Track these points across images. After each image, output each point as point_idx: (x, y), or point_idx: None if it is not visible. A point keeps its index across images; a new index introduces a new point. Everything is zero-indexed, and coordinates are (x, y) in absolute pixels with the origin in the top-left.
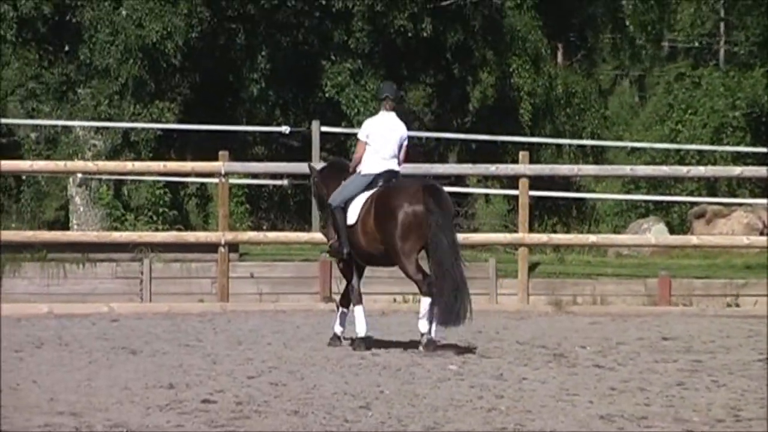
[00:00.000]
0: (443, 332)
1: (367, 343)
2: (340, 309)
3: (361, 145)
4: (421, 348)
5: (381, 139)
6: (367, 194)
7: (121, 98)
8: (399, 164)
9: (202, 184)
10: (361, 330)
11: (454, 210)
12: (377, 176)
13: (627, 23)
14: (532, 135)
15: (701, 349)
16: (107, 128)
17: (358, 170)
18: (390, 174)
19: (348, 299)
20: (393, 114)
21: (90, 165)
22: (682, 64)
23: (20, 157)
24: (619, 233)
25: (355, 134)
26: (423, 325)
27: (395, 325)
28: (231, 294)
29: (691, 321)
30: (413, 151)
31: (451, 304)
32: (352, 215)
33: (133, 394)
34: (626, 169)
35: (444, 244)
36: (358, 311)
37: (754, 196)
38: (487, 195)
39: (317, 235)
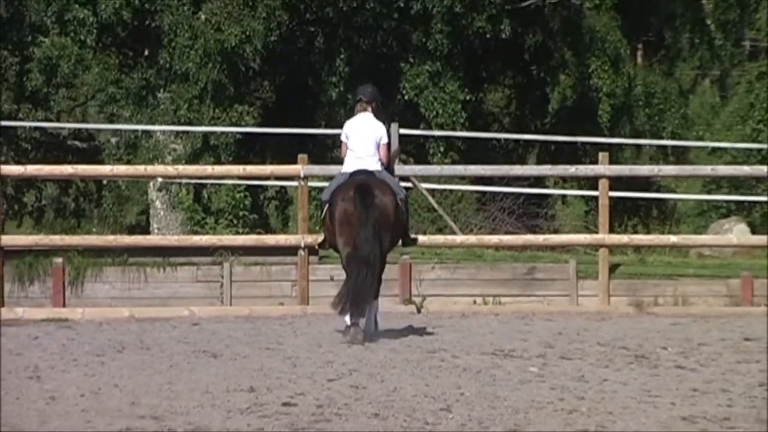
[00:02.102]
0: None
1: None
2: None
3: (343, 145)
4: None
5: (356, 139)
6: None
7: (201, 102)
8: (380, 161)
9: (282, 187)
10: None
11: (387, 207)
12: (352, 174)
13: (707, 22)
14: (612, 136)
15: None
16: (187, 132)
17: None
18: (364, 172)
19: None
20: (369, 114)
21: (170, 169)
22: (764, 63)
23: (101, 162)
24: (700, 233)
25: (434, 136)
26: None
27: (475, 327)
28: (311, 297)
29: None
30: (494, 153)
31: (349, 294)
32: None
33: (214, 398)
34: (707, 169)
35: (361, 241)
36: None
37: None
38: (566, 196)
39: None
